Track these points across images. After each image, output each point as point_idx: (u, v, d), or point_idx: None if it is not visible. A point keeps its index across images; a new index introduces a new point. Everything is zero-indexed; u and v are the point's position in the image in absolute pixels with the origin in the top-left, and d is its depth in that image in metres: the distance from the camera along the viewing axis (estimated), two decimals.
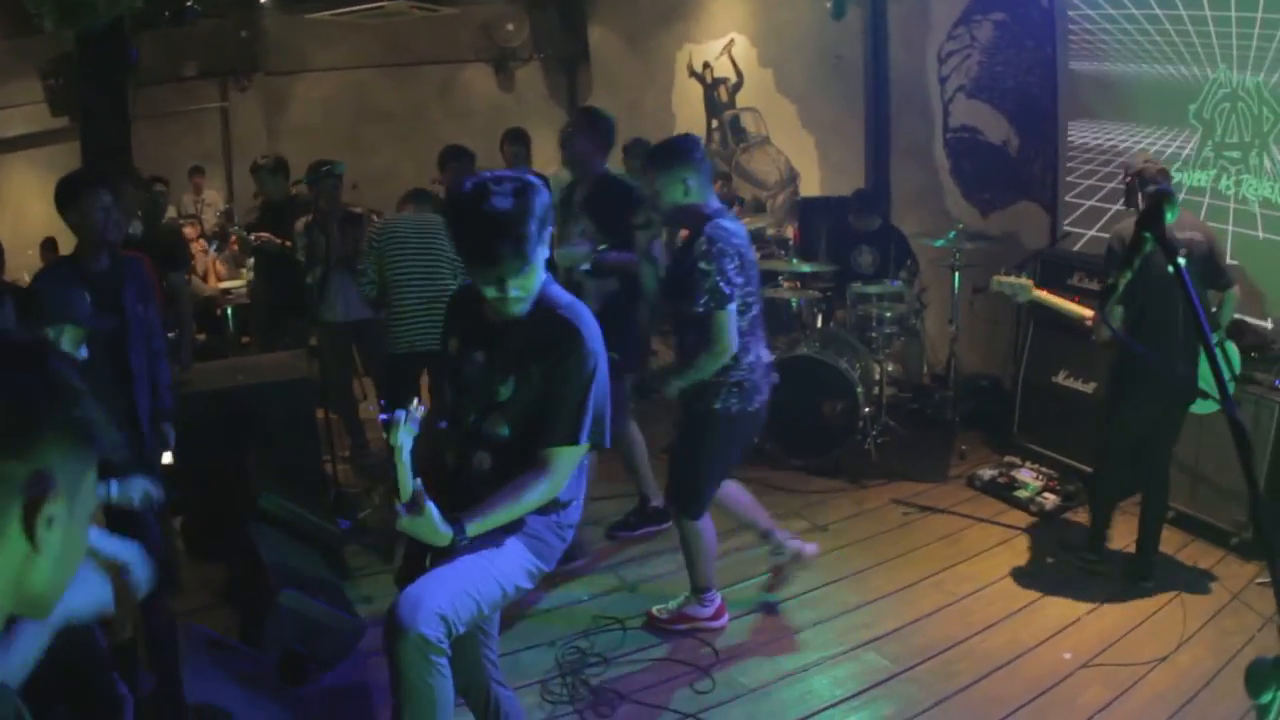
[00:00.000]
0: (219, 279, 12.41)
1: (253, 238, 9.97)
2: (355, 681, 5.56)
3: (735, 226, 5.57)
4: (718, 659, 5.72)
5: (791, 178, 12.50)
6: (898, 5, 10.76)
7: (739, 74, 13.39)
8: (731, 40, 13.40)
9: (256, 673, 4.85)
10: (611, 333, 6.19)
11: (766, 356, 5.81)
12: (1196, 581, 6.45)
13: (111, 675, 4.18)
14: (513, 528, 3.74)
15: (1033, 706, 5.11)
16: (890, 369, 9.15)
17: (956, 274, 8.84)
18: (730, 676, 5.56)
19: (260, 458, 6.69)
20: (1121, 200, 6.85)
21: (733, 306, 5.40)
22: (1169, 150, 7.82)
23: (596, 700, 5.37)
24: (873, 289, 9.04)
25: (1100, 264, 7.07)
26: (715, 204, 5.67)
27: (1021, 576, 6.59)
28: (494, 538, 3.68)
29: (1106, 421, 6.54)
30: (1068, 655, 5.53)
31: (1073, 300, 6.75)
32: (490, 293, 3.57)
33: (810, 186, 12.21)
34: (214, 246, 13.03)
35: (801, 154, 12.41)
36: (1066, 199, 8.93)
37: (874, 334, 8.91)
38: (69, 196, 5.70)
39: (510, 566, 3.76)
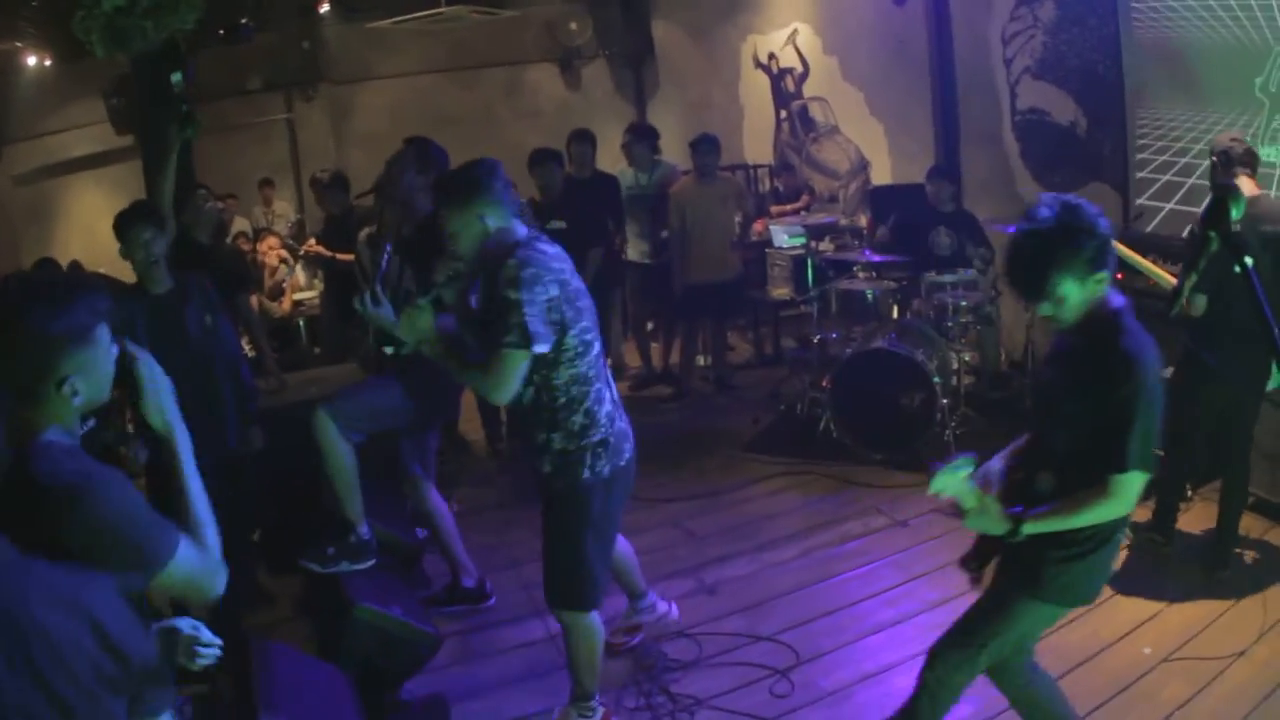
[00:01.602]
0: (295, 289, 12.52)
1: (302, 250, 10.08)
2: (434, 692, 5.64)
3: (554, 250, 4.79)
4: (797, 661, 5.73)
5: (862, 167, 12.43)
6: None
7: (804, 63, 13.34)
8: (795, 30, 13.36)
9: (332, 686, 4.90)
10: (428, 389, 6.06)
11: (614, 393, 5.02)
12: (1277, 571, 6.35)
13: None
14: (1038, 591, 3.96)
15: (1114, 703, 5.11)
16: (967, 358, 9.08)
17: None
18: (809, 679, 5.57)
19: None
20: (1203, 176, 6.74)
21: (539, 348, 4.51)
22: (1236, 125, 7.70)
23: (675, 706, 5.44)
24: (948, 278, 9.03)
25: (1180, 246, 7.04)
26: (523, 230, 4.82)
27: None
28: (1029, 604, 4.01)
29: (1180, 405, 6.48)
30: (1148, 650, 5.51)
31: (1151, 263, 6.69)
32: None
33: (881, 175, 12.11)
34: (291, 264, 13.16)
35: (871, 142, 12.32)
36: (1138, 177, 8.79)
37: (950, 323, 8.89)
38: (118, 232, 6.14)
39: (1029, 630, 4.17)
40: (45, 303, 2.64)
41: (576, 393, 4.70)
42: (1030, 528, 3.74)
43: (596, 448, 4.75)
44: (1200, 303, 5.94)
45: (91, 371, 2.76)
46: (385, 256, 5.84)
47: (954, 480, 3.79)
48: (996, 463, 4.17)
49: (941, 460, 3.82)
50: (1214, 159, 6.23)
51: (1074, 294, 3.64)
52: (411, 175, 6.27)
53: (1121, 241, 6.59)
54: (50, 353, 2.65)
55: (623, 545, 5.65)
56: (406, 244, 6.23)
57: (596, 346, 4.78)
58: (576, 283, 4.73)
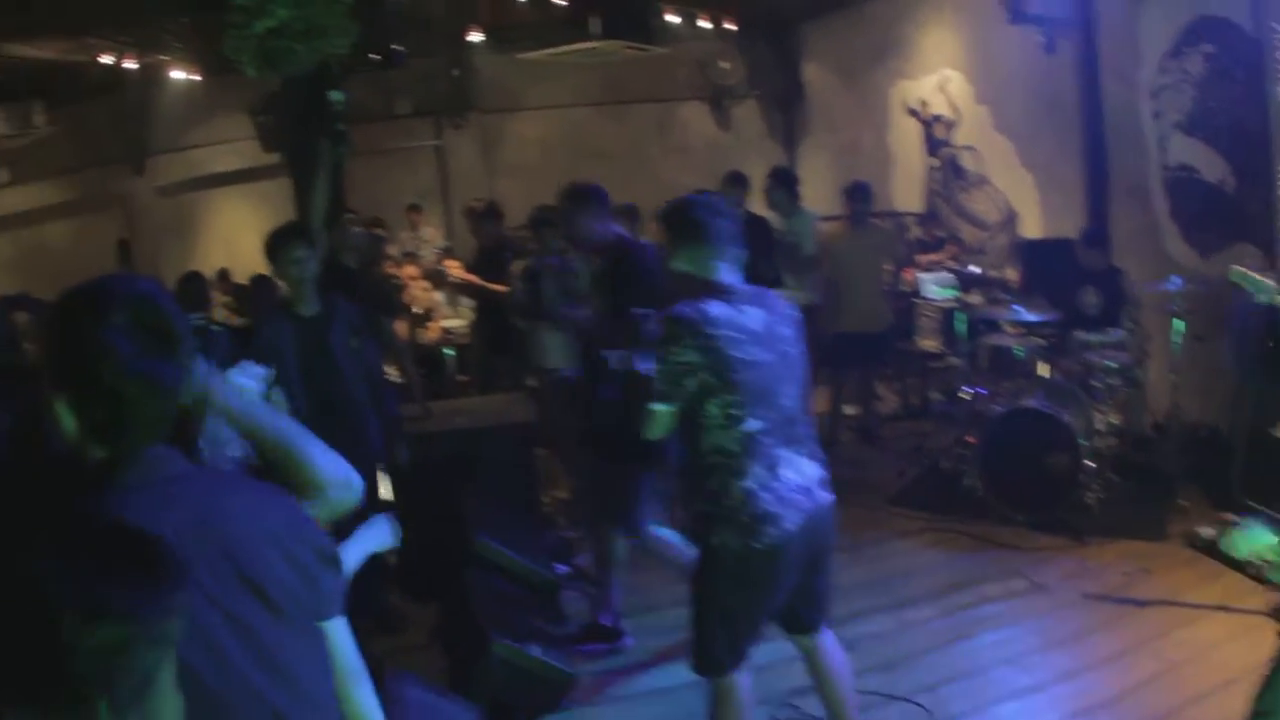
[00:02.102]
0: (441, 316, 12.61)
1: (453, 277, 10.25)
2: None
3: (729, 312, 4.55)
4: None
5: (1010, 218, 12.41)
6: (1108, 39, 10.63)
7: (956, 111, 13.36)
8: (947, 77, 13.39)
9: None
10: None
11: (793, 481, 4.66)
12: None
13: None
14: None
15: None
16: (1112, 420, 9.03)
17: (1178, 320, 8.72)
18: None
19: (478, 500, 6.85)
20: None
21: (655, 406, 4.58)
22: None
23: None
24: (1096, 338, 9.01)
25: None
26: (723, 279, 4.69)
27: (1237, 643, 6.41)
28: None
29: None
30: None
31: None
32: None
33: (1030, 227, 12.08)
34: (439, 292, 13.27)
35: (1020, 194, 12.30)
36: None
37: (1097, 384, 8.86)
38: (269, 251, 6.37)
39: None
40: None
41: (716, 461, 4.58)
42: None
43: (725, 517, 4.58)
44: None
45: None
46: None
47: (1261, 545, 3.90)
48: None
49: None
50: None
51: None
52: (585, 220, 6.64)
53: None
54: None
55: (838, 668, 5.21)
56: (601, 275, 6.74)
57: (753, 424, 4.54)
58: (746, 353, 4.52)
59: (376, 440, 6.59)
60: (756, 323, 4.62)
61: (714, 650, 4.79)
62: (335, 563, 2.53)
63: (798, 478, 4.69)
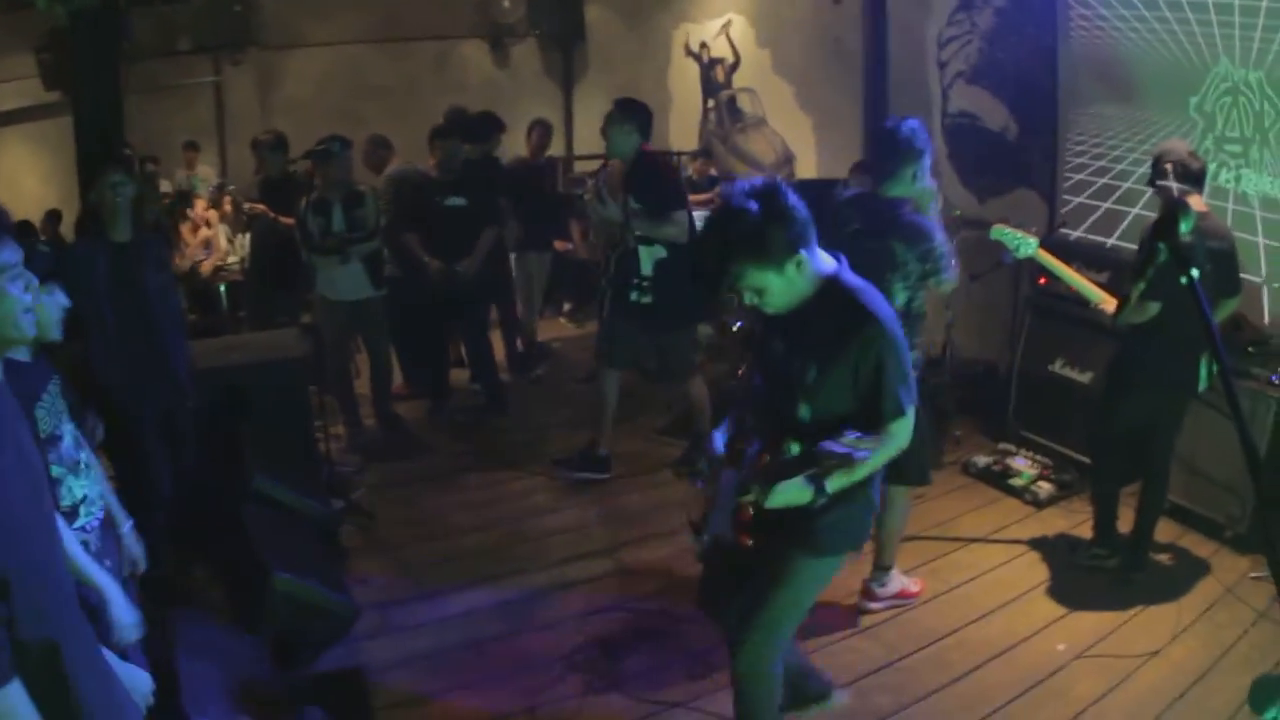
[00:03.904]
0: (221, 255, 12.25)
1: (246, 207, 9.97)
2: (349, 665, 5.58)
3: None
4: (711, 645, 5.63)
5: (788, 159, 12.46)
6: None
7: (736, 54, 13.41)
8: (729, 20, 13.40)
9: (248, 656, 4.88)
10: (672, 291, 7.74)
11: None
12: (1190, 574, 6.44)
13: None
14: (814, 546, 4.02)
15: (1026, 698, 5.15)
16: None
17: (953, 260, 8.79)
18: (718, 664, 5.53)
19: (254, 437, 6.67)
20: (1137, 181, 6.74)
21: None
22: (1172, 137, 7.76)
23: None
24: None
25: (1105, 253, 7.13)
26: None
27: (1016, 566, 6.60)
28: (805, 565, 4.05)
29: (1105, 411, 6.47)
30: (1061, 646, 5.57)
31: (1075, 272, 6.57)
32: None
33: (807, 169, 12.16)
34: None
35: (798, 136, 12.39)
36: (1066, 186, 8.89)
37: None
38: (90, 177, 6.40)
39: (816, 588, 4.18)
40: None
41: None
42: (834, 485, 3.75)
43: None
44: (1153, 309, 5.84)
45: None
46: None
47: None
48: (720, 443, 4.17)
49: None
50: (1167, 165, 6.03)
51: (774, 283, 3.70)
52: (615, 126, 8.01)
53: (1045, 249, 6.59)
54: None
55: None
56: (626, 178, 8.04)
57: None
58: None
59: (182, 373, 6.52)
60: None
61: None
62: None
63: None
